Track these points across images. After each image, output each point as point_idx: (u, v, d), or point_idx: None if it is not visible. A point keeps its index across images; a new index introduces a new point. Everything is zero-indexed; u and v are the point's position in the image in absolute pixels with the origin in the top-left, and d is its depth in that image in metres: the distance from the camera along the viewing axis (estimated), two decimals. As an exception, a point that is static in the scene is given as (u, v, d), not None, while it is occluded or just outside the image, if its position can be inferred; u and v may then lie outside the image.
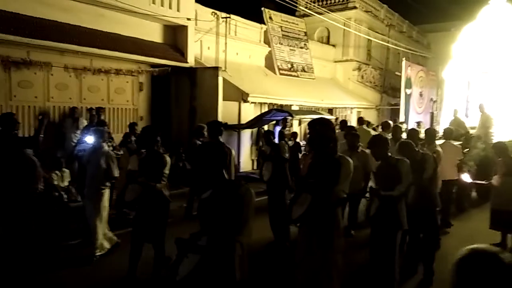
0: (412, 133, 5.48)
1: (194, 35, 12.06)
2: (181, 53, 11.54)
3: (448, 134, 6.64)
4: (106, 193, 5.16)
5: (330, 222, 3.34)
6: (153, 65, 11.05)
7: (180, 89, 11.88)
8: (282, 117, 10.15)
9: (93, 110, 9.13)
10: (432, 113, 10.52)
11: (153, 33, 11.13)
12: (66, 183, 6.44)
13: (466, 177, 6.16)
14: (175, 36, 11.69)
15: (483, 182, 5.44)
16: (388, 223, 3.96)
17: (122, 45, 9.88)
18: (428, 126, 10.36)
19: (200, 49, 12.63)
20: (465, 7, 12.95)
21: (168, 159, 4.31)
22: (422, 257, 4.68)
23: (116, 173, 5.14)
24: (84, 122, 8.46)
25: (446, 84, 13.19)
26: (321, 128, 3.64)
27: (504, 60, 11.02)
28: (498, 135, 9.44)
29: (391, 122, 8.41)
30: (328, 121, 4.01)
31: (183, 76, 11.68)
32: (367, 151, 5.12)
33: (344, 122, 9.20)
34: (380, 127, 9.14)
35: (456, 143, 6.86)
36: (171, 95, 12.03)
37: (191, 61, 11.62)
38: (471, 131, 9.61)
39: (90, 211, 5.09)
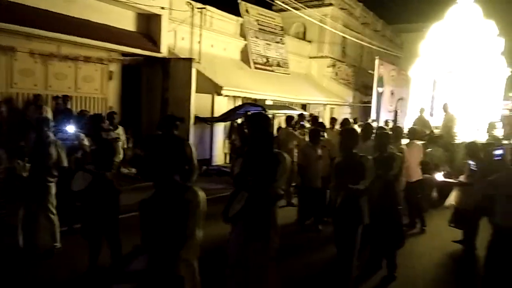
0: (382, 132, 5.58)
1: (168, 24, 11.82)
2: (154, 43, 11.29)
3: (413, 134, 6.72)
4: (54, 186, 4.92)
5: (267, 220, 3.27)
6: (125, 54, 10.76)
7: (152, 80, 11.63)
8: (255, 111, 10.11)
9: (59, 98, 8.83)
10: (396, 112, 10.66)
11: (126, 21, 10.82)
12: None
13: (439, 176, 6.24)
14: (148, 25, 11.41)
15: (456, 181, 5.48)
16: (349, 218, 4.02)
17: (92, 31, 9.55)
18: (395, 124, 10.53)
19: (174, 39, 12.39)
20: (437, 8, 13.17)
21: (119, 147, 4.19)
22: (385, 252, 4.75)
23: (65, 163, 4.94)
24: (48, 111, 8.14)
25: (412, 83, 13.42)
26: (258, 124, 3.47)
27: (468, 60, 11.19)
28: (461, 135, 9.71)
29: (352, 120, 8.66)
30: (265, 116, 3.71)
31: (156, 66, 11.44)
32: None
33: (315, 118, 9.25)
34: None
35: (420, 142, 6.98)
36: (142, 85, 11.76)
37: (164, 51, 11.38)
38: (435, 131, 9.82)
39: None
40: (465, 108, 10.91)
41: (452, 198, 5.59)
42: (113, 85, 10.92)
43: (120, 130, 8.41)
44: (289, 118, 9.07)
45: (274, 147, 3.44)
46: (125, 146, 8.92)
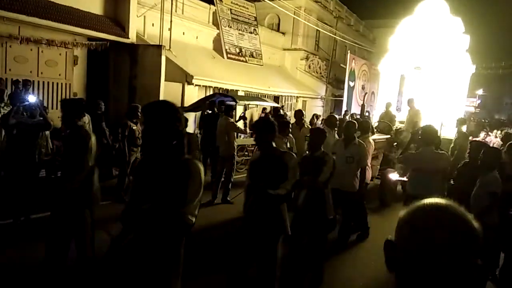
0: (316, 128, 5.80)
1: (137, 9, 11.45)
2: (122, 28, 10.91)
3: (364, 129, 6.14)
4: None
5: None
6: (91, 39, 10.34)
7: (120, 66, 11.25)
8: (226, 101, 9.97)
9: (19, 83, 8.40)
10: (363, 105, 10.72)
11: (92, 4, 10.38)
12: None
13: (393, 176, 6.26)
14: (116, 9, 11.00)
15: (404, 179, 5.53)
16: (267, 228, 3.40)
17: (56, 13, 9.11)
18: (361, 118, 10.62)
19: (143, 25, 12.03)
20: (409, 4, 13.32)
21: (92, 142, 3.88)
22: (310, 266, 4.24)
23: None
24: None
25: (381, 78, 13.59)
26: (155, 117, 2.30)
27: (435, 56, 11.41)
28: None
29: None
30: (169, 106, 2.37)
31: (123, 52, 11.07)
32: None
33: (276, 110, 9.17)
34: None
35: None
36: (109, 71, 11.37)
37: (132, 37, 11.02)
38: (401, 125, 9.98)
39: None
40: (431, 103, 11.13)
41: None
42: (78, 71, 10.51)
43: (86, 119, 8.08)
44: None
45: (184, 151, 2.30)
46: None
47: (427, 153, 4.56)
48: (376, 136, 7.86)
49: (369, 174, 5.66)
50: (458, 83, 12.08)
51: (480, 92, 29.84)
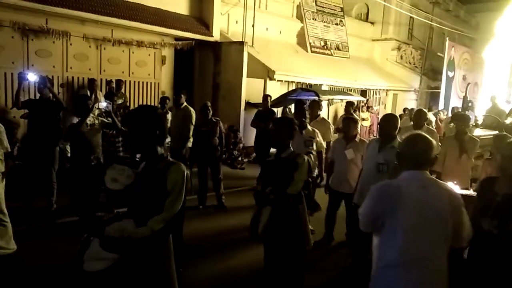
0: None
1: (221, 7, 11.53)
2: (206, 26, 11.06)
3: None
4: None
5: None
6: (177, 38, 10.66)
7: (204, 64, 11.47)
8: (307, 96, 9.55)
9: (112, 83, 8.94)
10: (465, 97, 9.41)
11: (178, 4, 10.69)
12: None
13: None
14: (201, 8, 11.19)
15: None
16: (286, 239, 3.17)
17: (144, 15, 9.52)
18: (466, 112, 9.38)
19: (227, 23, 12.10)
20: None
21: None
22: None
23: None
24: (100, 94, 8.23)
25: (486, 66, 11.94)
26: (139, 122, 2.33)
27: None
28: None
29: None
30: (150, 110, 2.44)
31: (208, 50, 11.25)
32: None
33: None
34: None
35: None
36: (194, 70, 11.65)
37: (216, 35, 11.13)
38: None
39: None
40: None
41: None
42: (166, 70, 10.90)
43: (169, 116, 8.32)
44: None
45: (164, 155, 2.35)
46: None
47: None
48: (481, 132, 6.84)
49: None
50: None
51: None
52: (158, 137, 2.26)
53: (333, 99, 11.94)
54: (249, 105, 10.87)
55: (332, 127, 6.52)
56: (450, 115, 10.21)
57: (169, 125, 7.37)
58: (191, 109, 6.78)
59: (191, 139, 6.58)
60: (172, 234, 2.28)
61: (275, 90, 12.08)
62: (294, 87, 12.49)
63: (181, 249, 3.12)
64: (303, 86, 12.46)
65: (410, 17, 18.99)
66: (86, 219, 4.44)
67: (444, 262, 2.07)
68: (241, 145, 10.31)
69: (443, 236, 2.05)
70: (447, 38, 14.66)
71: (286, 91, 12.16)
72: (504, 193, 2.47)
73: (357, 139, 4.85)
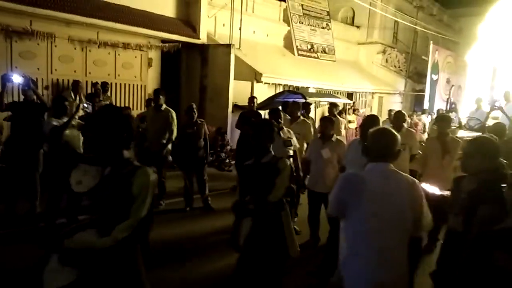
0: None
1: (208, 10, 11.55)
2: (193, 29, 11.06)
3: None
4: None
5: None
6: (164, 41, 10.63)
7: (191, 67, 11.46)
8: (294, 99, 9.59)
9: (97, 85, 8.85)
10: (448, 100, 9.57)
11: (165, 7, 10.67)
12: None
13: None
14: (188, 11, 11.19)
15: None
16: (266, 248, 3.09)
17: (131, 18, 9.48)
18: (449, 114, 9.53)
19: (214, 25, 12.12)
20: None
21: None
22: None
23: None
24: (82, 96, 8.12)
25: (469, 69, 12.19)
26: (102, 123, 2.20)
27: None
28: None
29: None
30: (115, 111, 2.30)
31: (195, 53, 11.24)
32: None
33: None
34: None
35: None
36: (181, 72, 11.63)
37: (203, 38, 11.13)
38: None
39: None
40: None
41: None
42: (152, 72, 10.85)
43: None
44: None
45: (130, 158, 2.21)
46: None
47: None
48: (465, 133, 6.97)
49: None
50: None
51: None
52: (125, 140, 2.13)
53: (320, 101, 12.02)
54: (236, 107, 10.89)
55: (312, 129, 6.57)
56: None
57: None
58: (171, 110, 6.60)
59: (172, 141, 6.47)
60: (138, 240, 2.18)
61: (263, 92, 12.11)
62: (281, 90, 12.54)
63: (148, 254, 3.04)
64: (290, 89, 12.54)
65: (395, 21, 19.28)
66: (47, 228, 4.31)
67: (405, 251, 2.16)
68: (228, 147, 10.31)
69: (403, 226, 2.14)
70: (431, 42, 14.95)
71: (273, 93, 12.21)
72: (467, 190, 2.56)
73: (333, 139, 4.87)
